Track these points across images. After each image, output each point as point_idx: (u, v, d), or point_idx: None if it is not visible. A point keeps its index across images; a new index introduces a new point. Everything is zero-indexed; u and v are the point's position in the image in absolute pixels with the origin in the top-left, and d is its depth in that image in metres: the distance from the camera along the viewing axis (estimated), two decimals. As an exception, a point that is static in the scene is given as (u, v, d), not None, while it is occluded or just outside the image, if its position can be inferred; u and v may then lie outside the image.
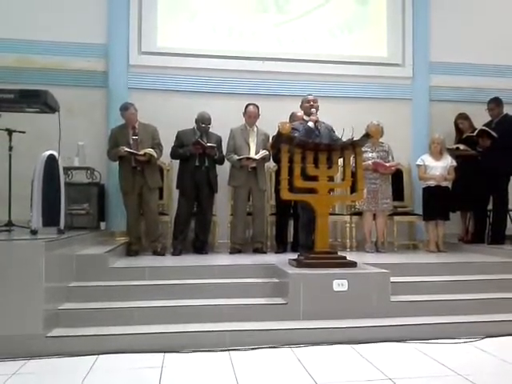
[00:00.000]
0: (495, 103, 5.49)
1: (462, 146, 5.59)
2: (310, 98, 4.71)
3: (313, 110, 4.61)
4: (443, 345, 3.34)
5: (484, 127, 5.40)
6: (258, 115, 5.38)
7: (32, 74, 5.62)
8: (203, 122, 5.17)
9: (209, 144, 5.04)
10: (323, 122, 4.66)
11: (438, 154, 5.49)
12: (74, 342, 3.19)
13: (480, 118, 5.69)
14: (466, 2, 6.51)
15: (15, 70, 5.62)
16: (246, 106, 5.39)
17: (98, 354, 3.11)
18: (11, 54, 5.69)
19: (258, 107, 5.38)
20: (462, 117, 5.82)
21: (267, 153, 5.24)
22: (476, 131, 5.43)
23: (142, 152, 4.83)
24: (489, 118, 5.58)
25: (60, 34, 5.78)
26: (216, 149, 5.13)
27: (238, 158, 5.20)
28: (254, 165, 5.21)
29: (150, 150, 4.87)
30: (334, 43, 6.39)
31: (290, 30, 6.32)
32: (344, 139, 4.25)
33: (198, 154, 5.05)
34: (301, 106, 4.86)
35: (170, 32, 6.11)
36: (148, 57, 6.03)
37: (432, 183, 5.41)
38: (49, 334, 3.19)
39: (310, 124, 4.55)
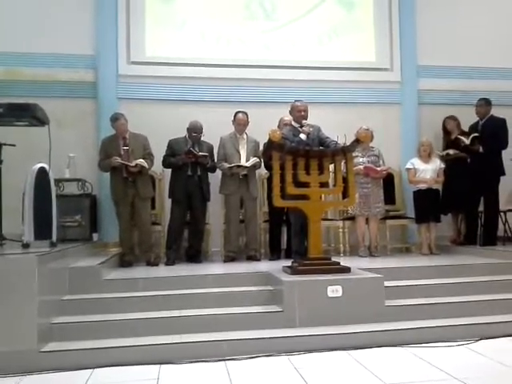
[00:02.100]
0: (484, 102, 5.56)
1: (451, 151, 5.65)
2: (301, 107, 4.65)
3: (304, 121, 4.59)
4: (439, 348, 3.35)
5: (476, 134, 5.44)
6: (248, 122, 5.39)
7: (20, 86, 5.60)
8: (195, 131, 5.17)
9: (201, 153, 5.04)
10: (312, 126, 4.64)
11: (426, 157, 5.55)
12: (68, 356, 3.16)
13: (467, 120, 5.76)
14: (452, 6, 6.58)
15: (3, 83, 5.59)
16: (235, 114, 5.40)
17: (94, 368, 3.09)
18: (-1, 67, 5.67)
19: (247, 114, 5.39)
20: (450, 117, 5.87)
21: (258, 160, 5.25)
22: (469, 139, 5.44)
23: (133, 163, 4.82)
24: (476, 119, 5.63)
25: (48, 45, 5.76)
26: (208, 157, 5.13)
27: (228, 166, 5.20)
28: (244, 172, 5.22)
29: (141, 161, 4.87)
30: (322, 49, 6.42)
31: (278, 37, 6.35)
32: (334, 138, 4.29)
33: (190, 163, 5.04)
34: (290, 112, 4.84)
35: (158, 41, 6.12)
36: (137, 66, 6.02)
37: (423, 186, 5.46)
38: (43, 349, 3.15)
39: (303, 137, 4.54)
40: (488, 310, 3.82)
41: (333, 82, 6.31)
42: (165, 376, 2.96)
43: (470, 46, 6.48)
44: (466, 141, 5.43)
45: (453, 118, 5.85)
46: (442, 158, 5.66)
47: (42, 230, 3.93)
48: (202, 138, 5.26)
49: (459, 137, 5.56)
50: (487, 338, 3.51)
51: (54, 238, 4.00)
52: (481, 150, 5.33)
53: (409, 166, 5.58)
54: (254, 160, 5.23)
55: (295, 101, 4.78)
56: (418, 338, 3.46)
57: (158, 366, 3.12)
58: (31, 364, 3.05)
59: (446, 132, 5.91)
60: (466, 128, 5.78)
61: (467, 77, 6.52)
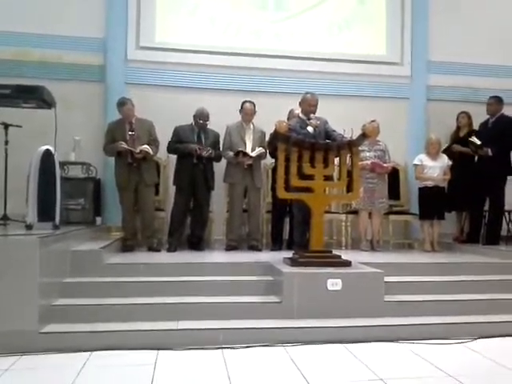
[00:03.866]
0: (496, 100, 5.48)
1: (456, 146, 5.64)
2: (312, 101, 4.64)
3: (312, 115, 4.57)
4: (435, 345, 3.36)
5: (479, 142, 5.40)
6: (255, 112, 5.37)
7: (28, 67, 5.61)
8: (201, 117, 5.16)
9: (206, 151, 5.03)
10: (319, 119, 4.63)
11: (435, 155, 5.51)
12: (67, 338, 3.19)
13: (478, 117, 5.70)
14: (465, 2, 6.50)
15: (11, 63, 5.60)
16: (243, 103, 5.38)
17: (92, 351, 3.12)
18: (7, 46, 5.66)
19: (254, 104, 5.37)
20: (464, 113, 5.82)
21: (263, 150, 5.24)
22: (479, 145, 5.37)
23: (138, 149, 4.82)
24: (486, 117, 5.58)
25: (57, 27, 5.75)
26: (212, 149, 5.12)
27: (233, 153, 5.19)
28: (250, 162, 5.21)
29: (146, 147, 4.87)
30: (332, 41, 6.38)
31: (289, 27, 6.31)
32: (340, 132, 4.29)
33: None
34: (300, 104, 4.80)
35: (168, 27, 6.10)
36: (146, 52, 6.00)
37: (430, 183, 5.43)
38: (43, 330, 3.19)
39: (310, 129, 4.52)
40: (487, 309, 3.81)
41: (342, 74, 6.28)
42: (162, 361, 2.99)
43: (483, 43, 6.41)
44: (478, 141, 5.36)
45: (467, 114, 5.80)
46: (445, 152, 5.63)
47: (45, 211, 3.96)
48: (208, 126, 5.25)
49: (471, 140, 5.46)
50: (485, 338, 3.51)
51: (57, 220, 4.03)
52: (490, 153, 5.27)
53: (417, 161, 5.54)
54: (259, 150, 5.21)
55: (306, 93, 4.75)
56: (416, 335, 3.47)
57: (155, 351, 3.14)
58: (30, 344, 3.09)
59: (458, 127, 5.87)
60: (476, 126, 5.72)
61: (478, 74, 6.46)
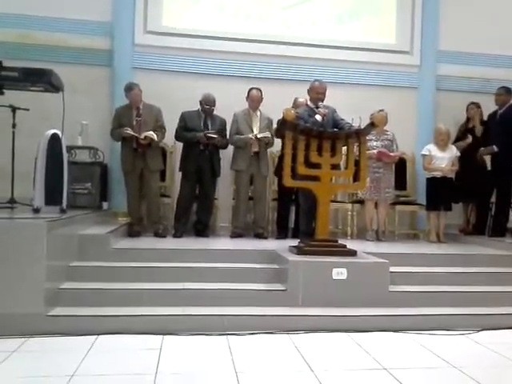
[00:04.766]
0: (504, 90, 5.42)
1: (462, 143, 5.66)
2: (320, 89, 4.59)
3: (320, 104, 4.54)
4: (439, 336, 3.37)
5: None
6: (261, 99, 5.33)
7: (35, 50, 5.58)
8: (207, 103, 5.15)
9: (213, 136, 5.03)
10: (327, 107, 4.60)
11: (443, 145, 5.46)
12: (74, 322, 3.22)
13: (487, 109, 5.65)
14: (476, -9, 6.41)
15: (18, 46, 5.55)
16: (249, 90, 5.35)
17: (98, 334, 3.15)
18: (14, 29, 5.63)
19: (261, 91, 5.33)
20: (473, 104, 5.76)
21: (270, 136, 5.19)
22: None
23: (142, 136, 4.81)
24: (495, 108, 5.53)
25: (64, 10, 5.71)
26: (219, 135, 5.11)
27: (239, 137, 5.18)
28: (256, 149, 5.19)
29: (152, 134, 4.85)
30: (341, 28, 6.31)
31: (298, 14, 6.23)
32: (349, 120, 4.26)
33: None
34: (308, 92, 4.75)
35: (176, 11, 6.04)
36: (153, 36, 5.96)
37: (438, 174, 5.39)
38: (49, 313, 3.22)
39: (318, 118, 4.49)
40: (492, 301, 3.81)
41: (350, 62, 6.23)
42: (168, 346, 3.02)
43: (493, 33, 6.29)
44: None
45: (476, 105, 5.74)
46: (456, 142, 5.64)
47: (52, 195, 3.97)
48: (214, 112, 5.23)
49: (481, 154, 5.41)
50: (489, 329, 3.52)
51: (64, 204, 4.04)
52: (495, 149, 5.22)
53: (425, 152, 5.49)
54: (266, 133, 5.17)
55: (315, 80, 4.71)
56: (420, 325, 3.48)
57: (161, 336, 3.17)
58: (37, 327, 3.11)
59: (467, 118, 5.82)
60: (485, 118, 5.68)
61: (488, 64, 6.39)
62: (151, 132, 4.88)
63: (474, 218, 5.76)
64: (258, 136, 5.15)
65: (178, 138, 5.28)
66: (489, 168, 5.42)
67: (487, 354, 3.09)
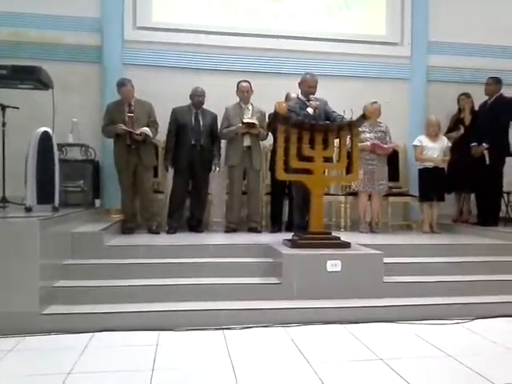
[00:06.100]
0: (494, 80, 5.43)
1: (454, 134, 5.69)
2: (311, 82, 4.56)
3: (311, 96, 4.51)
4: (434, 326, 3.39)
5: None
6: (252, 90, 5.32)
7: (24, 47, 5.52)
8: (196, 93, 5.17)
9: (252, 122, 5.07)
10: (318, 100, 4.59)
11: (434, 136, 5.48)
12: (69, 320, 3.21)
13: (479, 99, 5.65)
14: (466, -19, 6.40)
15: (8, 44, 5.51)
16: (238, 83, 5.34)
17: (94, 332, 3.15)
18: (3, 27, 5.58)
19: (250, 83, 5.32)
20: (464, 94, 5.80)
21: (256, 121, 5.15)
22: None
23: (138, 131, 4.79)
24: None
25: (53, 7, 5.66)
26: (210, 129, 5.12)
27: (230, 128, 5.19)
28: (248, 144, 5.19)
29: (147, 130, 4.83)
30: (331, 21, 6.29)
31: (287, 7, 6.21)
32: (340, 113, 4.24)
33: (193, 133, 5.06)
34: (299, 85, 4.72)
35: (165, 6, 5.99)
36: (143, 32, 5.92)
37: (429, 164, 5.41)
38: (44, 312, 3.21)
39: (310, 111, 4.47)
40: (485, 290, 3.84)
41: (341, 54, 6.22)
42: (164, 342, 3.02)
43: (484, 23, 6.32)
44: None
45: (467, 95, 5.77)
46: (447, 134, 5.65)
47: (44, 194, 3.95)
48: (206, 107, 5.22)
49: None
50: (483, 318, 3.55)
51: (57, 202, 4.02)
52: (485, 146, 5.24)
53: (416, 143, 5.51)
54: (253, 119, 5.14)
55: (306, 74, 4.69)
56: (414, 315, 3.50)
57: (156, 332, 3.17)
58: (32, 326, 3.11)
59: (459, 109, 5.84)
60: (477, 108, 5.69)
61: (479, 55, 6.40)
62: (146, 128, 4.85)
63: (466, 207, 5.79)
64: (244, 120, 5.12)
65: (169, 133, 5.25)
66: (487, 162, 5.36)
67: (482, 342, 3.11)
